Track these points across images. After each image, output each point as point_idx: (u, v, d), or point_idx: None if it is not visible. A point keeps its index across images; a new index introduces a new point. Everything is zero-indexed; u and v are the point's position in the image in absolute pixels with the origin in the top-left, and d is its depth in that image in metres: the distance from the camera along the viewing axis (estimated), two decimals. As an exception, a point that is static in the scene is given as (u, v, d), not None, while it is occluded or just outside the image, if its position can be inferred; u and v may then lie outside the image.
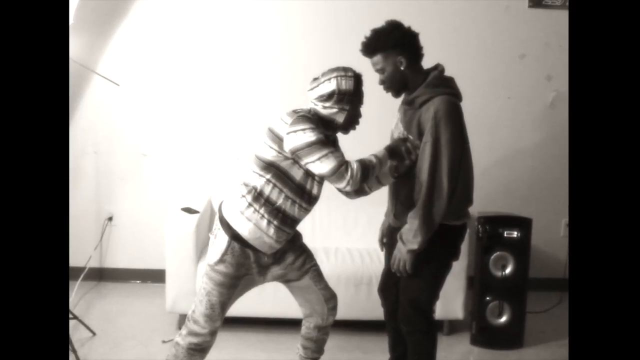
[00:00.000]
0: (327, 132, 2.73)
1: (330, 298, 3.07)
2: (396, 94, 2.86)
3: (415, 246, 2.69)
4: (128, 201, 4.62)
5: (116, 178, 4.60)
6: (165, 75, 4.51)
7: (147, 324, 4.06)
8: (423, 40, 2.77)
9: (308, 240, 4.22)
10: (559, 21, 4.50)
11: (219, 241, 2.77)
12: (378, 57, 2.75)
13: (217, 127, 4.57)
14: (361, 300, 3.92)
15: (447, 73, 2.81)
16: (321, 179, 2.73)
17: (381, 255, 4.07)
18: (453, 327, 4.07)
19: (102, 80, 4.13)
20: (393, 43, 2.74)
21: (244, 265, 2.79)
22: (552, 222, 4.76)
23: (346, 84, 2.68)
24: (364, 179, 2.63)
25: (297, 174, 2.69)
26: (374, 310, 3.92)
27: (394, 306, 3.06)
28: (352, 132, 2.79)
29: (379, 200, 4.55)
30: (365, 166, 2.65)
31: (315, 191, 2.77)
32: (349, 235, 4.35)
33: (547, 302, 4.47)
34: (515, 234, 3.81)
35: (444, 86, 2.74)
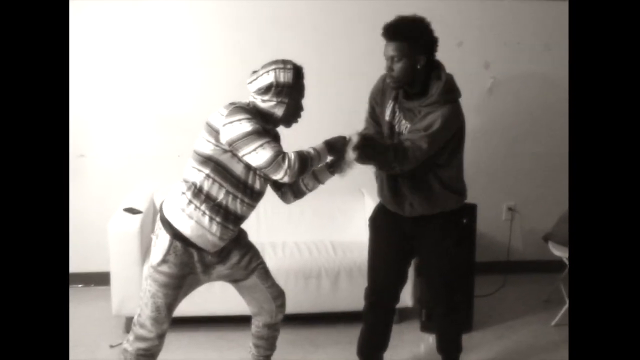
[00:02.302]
0: (267, 126, 2.69)
1: (278, 296, 3.05)
2: (397, 86, 2.85)
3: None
4: (69, 204, 4.48)
5: (53, 180, 4.45)
6: (101, 72, 4.38)
7: (92, 328, 3.96)
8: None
9: (253, 235, 4.17)
10: (496, 10, 4.56)
11: (161, 241, 2.72)
12: (400, 45, 2.73)
13: (156, 124, 4.48)
14: (311, 294, 3.91)
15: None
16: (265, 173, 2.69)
17: (329, 246, 4.09)
18: (403, 315, 4.10)
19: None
20: (423, 41, 2.77)
21: (188, 264, 2.74)
22: (495, 206, 4.83)
23: (284, 77, 2.64)
24: (301, 170, 2.59)
25: (237, 168, 2.65)
26: (324, 302, 3.95)
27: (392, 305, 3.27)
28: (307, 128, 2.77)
29: (325, 192, 4.56)
30: (304, 157, 2.61)
31: (257, 186, 2.73)
32: (295, 229, 4.33)
33: (492, 286, 4.55)
34: (464, 220, 3.85)
35: (454, 92, 2.86)
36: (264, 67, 2.69)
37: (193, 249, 2.72)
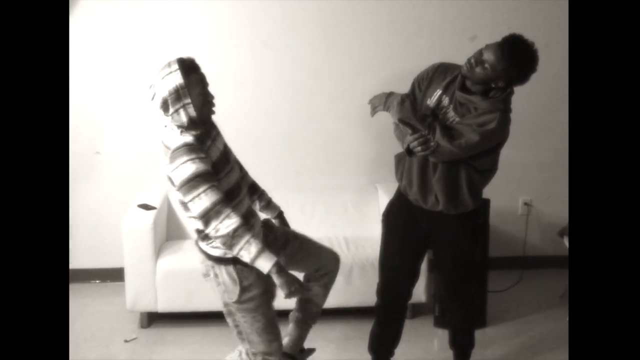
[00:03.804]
0: (195, 133, 2.54)
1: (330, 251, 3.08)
2: (462, 88, 2.83)
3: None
4: (84, 201, 4.52)
5: (71, 178, 4.49)
6: (117, 70, 4.41)
7: (107, 323, 4.00)
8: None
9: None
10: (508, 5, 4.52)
11: (224, 277, 2.63)
12: (501, 64, 2.69)
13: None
14: (323, 289, 3.90)
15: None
16: (228, 172, 2.61)
17: (342, 241, 4.08)
18: (416, 310, 4.09)
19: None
20: (518, 76, 2.76)
21: (260, 273, 2.56)
22: (511, 201, 4.80)
23: (173, 81, 2.47)
24: (230, 243, 2.44)
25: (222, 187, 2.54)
26: (336, 298, 3.88)
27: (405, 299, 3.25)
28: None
29: (338, 187, 4.57)
30: (238, 235, 2.43)
31: (232, 183, 2.63)
32: (308, 225, 4.29)
33: (507, 281, 4.52)
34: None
35: (510, 104, 2.88)
36: (155, 77, 2.53)
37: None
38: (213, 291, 2.73)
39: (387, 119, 3.00)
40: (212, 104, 2.59)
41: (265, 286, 2.66)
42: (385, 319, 3.24)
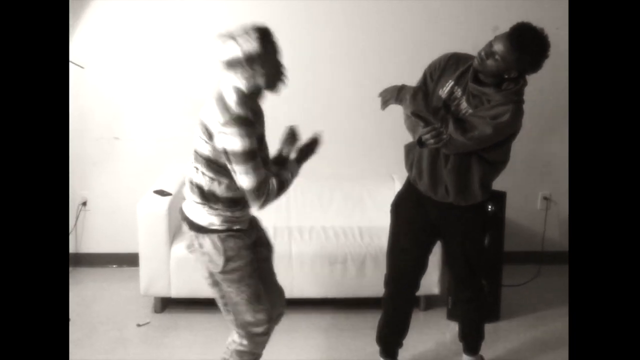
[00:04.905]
0: (252, 105, 2.60)
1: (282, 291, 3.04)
2: (475, 80, 2.81)
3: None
4: (102, 186, 4.57)
5: (89, 163, 4.54)
6: (135, 56, 4.44)
7: (122, 308, 4.04)
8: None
9: (283, 219, 4.24)
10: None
11: (208, 246, 2.67)
12: (512, 55, 2.67)
13: (189, 108, 4.50)
14: (336, 279, 3.91)
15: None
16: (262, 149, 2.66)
17: (357, 231, 4.07)
18: (429, 302, 4.07)
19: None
20: (531, 65, 2.74)
21: (244, 246, 2.70)
22: (529, 195, 4.75)
23: (250, 47, 2.47)
24: (277, 197, 2.61)
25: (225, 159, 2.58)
26: (349, 288, 3.94)
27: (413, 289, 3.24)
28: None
29: (355, 177, 4.56)
30: (282, 186, 2.62)
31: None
32: (324, 214, 4.32)
33: (524, 276, 4.47)
34: (489, 207, 3.78)
35: (523, 96, 2.83)
36: (230, 39, 2.52)
37: (237, 232, 2.70)
38: (198, 262, 2.76)
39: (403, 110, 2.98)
40: (284, 75, 2.61)
41: (249, 257, 2.71)
42: (394, 310, 3.23)
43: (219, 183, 2.61)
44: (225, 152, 2.50)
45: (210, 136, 2.54)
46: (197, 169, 2.65)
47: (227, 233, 2.66)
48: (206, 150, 2.58)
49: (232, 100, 2.53)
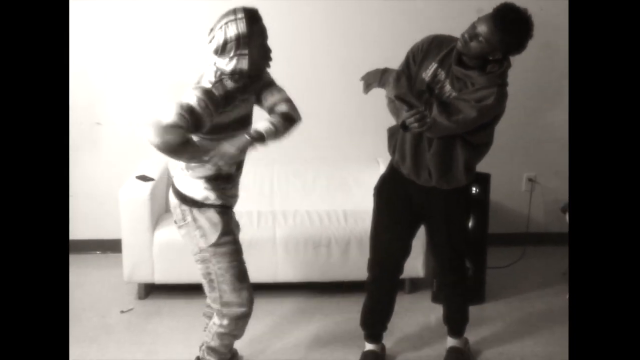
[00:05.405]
0: (239, 84, 2.59)
1: None
2: (459, 62, 2.77)
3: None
4: (84, 171, 4.52)
5: (71, 149, 4.49)
6: (115, 39, 4.37)
7: (105, 294, 4.01)
8: None
9: (267, 204, 4.22)
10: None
11: (203, 221, 2.70)
12: (496, 36, 2.63)
13: (172, 93, 4.44)
14: (320, 262, 3.90)
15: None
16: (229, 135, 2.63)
17: (341, 215, 4.05)
18: (414, 285, 4.07)
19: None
20: (515, 46, 2.70)
21: (232, 222, 2.82)
22: (514, 177, 4.75)
23: (237, 28, 2.48)
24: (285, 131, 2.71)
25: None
26: (333, 272, 3.93)
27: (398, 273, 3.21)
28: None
29: (340, 161, 4.53)
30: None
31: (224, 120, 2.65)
32: (308, 197, 4.30)
33: (509, 258, 4.47)
34: (473, 189, 3.77)
35: (506, 78, 2.81)
36: (217, 22, 2.55)
37: (228, 209, 2.77)
38: (188, 238, 2.75)
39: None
40: (269, 57, 2.62)
41: (235, 235, 2.80)
42: (377, 294, 3.22)
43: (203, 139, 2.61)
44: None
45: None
46: None
47: (221, 209, 2.71)
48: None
49: (207, 80, 2.56)
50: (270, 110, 2.76)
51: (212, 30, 2.57)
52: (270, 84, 2.77)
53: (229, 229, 2.74)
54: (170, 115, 2.43)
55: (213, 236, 2.69)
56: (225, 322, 2.79)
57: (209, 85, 2.53)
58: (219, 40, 2.52)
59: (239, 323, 2.81)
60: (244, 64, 2.53)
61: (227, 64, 2.54)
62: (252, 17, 2.53)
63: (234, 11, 2.52)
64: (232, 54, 2.51)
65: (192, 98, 2.47)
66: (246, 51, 2.51)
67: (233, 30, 2.49)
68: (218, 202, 2.70)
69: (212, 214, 2.69)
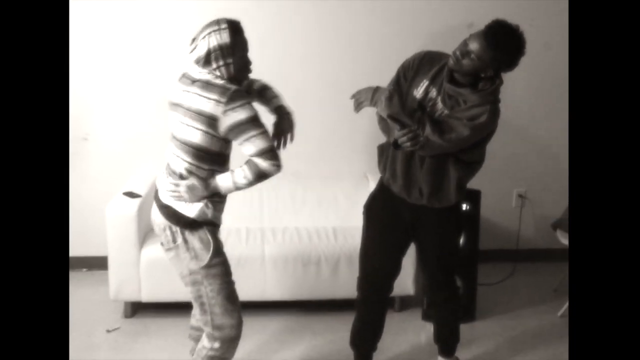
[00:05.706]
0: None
1: None
2: (450, 80, 2.75)
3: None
4: (71, 187, 4.43)
5: (57, 164, 4.44)
6: (103, 53, 4.34)
7: (90, 313, 3.94)
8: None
9: (256, 221, 4.18)
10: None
11: (196, 240, 2.64)
12: (488, 53, 2.61)
13: (160, 108, 4.41)
14: (309, 280, 3.85)
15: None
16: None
17: (330, 232, 4.01)
18: (404, 303, 4.03)
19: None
20: (507, 63, 2.68)
21: (221, 241, 2.76)
22: (504, 193, 4.73)
23: (220, 38, 2.51)
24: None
25: (217, 146, 2.59)
26: (323, 289, 3.89)
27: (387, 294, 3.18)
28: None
29: (329, 177, 4.50)
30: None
31: (229, 151, 2.69)
32: (297, 214, 4.26)
33: (499, 274, 4.45)
34: (464, 206, 3.75)
35: (499, 95, 2.79)
36: (200, 32, 2.57)
37: (215, 227, 2.71)
38: (177, 260, 2.69)
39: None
40: (249, 69, 2.64)
41: (225, 255, 2.74)
42: (367, 314, 3.18)
43: (197, 168, 2.59)
44: (236, 126, 2.48)
45: (208, 122, 2.50)
46: (177, 156, 2.63)
47: (213, 227, 2.68)
48: (195, 139, 2.54)
49: (221, 81, 2.54)
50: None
51: (194, 40, 2.57)
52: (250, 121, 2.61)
53: (220, 249, 2.70)
54: (265, 140, 2.56)
55: (205, 257, 2.64)
56: (216, 345, 2.74)
57: (230, 85, 2.52)
58: (201, 50, 2.53)
59: (230, 346, 2.76)
60: (232, 70, 2.55)
61: (211, 75, 2.55)
62: (235, 28, 2.56)
63: (217, 22, 2.55)
64: (216, 65, 2.53)
65: (244, 112, 2.51)
66: (231, 60, 2.53)
67: (216, 40, 2.51)
68: (212, 219, 2.66)
69: (204, 234, 2.64)
